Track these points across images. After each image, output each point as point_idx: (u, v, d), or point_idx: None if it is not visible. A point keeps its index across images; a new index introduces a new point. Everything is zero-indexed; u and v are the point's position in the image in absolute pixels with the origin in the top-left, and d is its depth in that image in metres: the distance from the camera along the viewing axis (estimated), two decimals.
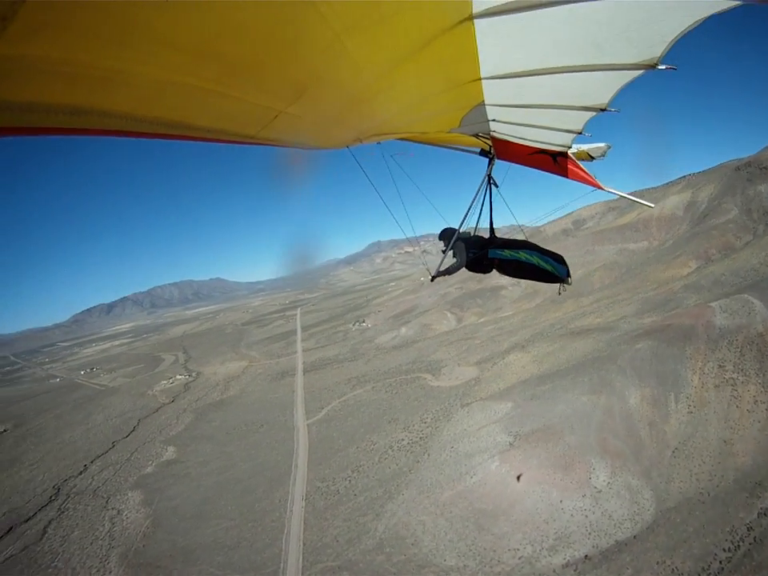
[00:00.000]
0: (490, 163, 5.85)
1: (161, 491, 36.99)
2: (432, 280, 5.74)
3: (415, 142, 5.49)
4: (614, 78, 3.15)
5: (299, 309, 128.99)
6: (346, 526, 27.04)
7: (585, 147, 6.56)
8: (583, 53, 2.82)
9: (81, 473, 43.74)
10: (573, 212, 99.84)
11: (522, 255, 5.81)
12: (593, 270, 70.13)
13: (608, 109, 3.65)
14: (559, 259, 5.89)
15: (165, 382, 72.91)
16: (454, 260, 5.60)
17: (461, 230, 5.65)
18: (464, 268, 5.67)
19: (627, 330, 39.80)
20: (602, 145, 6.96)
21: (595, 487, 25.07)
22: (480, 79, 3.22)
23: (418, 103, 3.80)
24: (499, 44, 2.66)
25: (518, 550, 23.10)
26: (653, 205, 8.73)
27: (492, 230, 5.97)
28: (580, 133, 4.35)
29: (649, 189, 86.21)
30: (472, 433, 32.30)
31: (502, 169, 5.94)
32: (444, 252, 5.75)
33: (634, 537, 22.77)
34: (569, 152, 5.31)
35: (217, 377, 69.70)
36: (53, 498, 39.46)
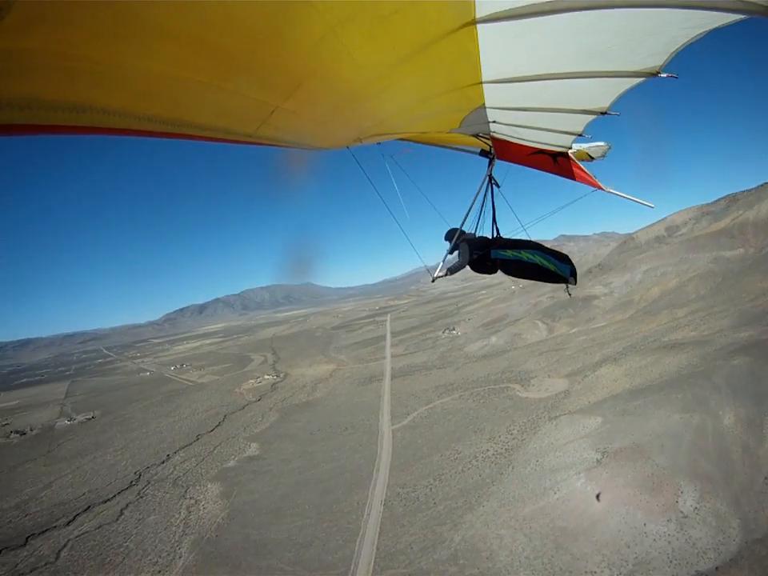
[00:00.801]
0: (491, 163, 9.00)
1: (240, 485, 57.27)
2: (433, 281, 9.23)
3: (415, 141, 8.46)
4: (615, 83, 4.81)
5: (389, 315, 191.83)
6: (421, 534, 39.50)
7: (585, 147, 9.56)
8: (585, 60, 4.39)
9: (163, 462, 69.52)
10: (666, 217, 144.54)
11: (525, 255, 8.80)
12: (687, 279, 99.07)
13: (609, 112, 5.48)
14: (563, 258, 8.92)
15: (252, 381, 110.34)
16: (457, 261, 8.97)
17: (466, 231, 8.98)
18: (468, 267, 9.23)
19: (723, 344, 54.88)
20: (602, 144, 10.07)
21: (681, 512, 33.59)
22: (481, 83, 4.91)
23: (418, 104, 5.65)
24: (501, 49, 4.13)
25: (596, 573, 31.78)
26: (653, 205, 11.27)
27: (495, 230, 9.28)
28: (580, 134, 6.74)
29: (743, 191, 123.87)
30: (559, 447, 44.71)
31: (503, 169, 9.29)
32: (448, 252, 9.21)
33: (716, 568, 29.88)
34: (569, 152, 8.19)
35: (304, 378, 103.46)
36: (133, 483, 64.13)
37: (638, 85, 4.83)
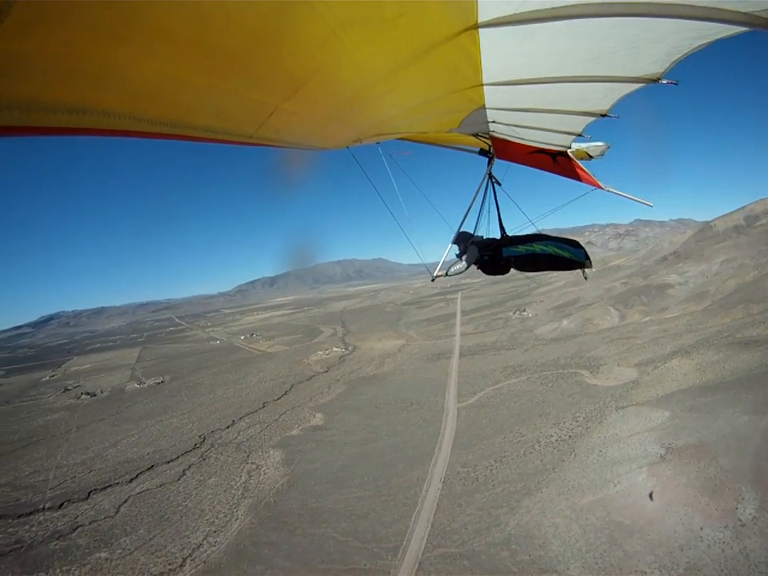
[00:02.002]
0: (490, 162, 9.77)
1: (302, 453, 61.48)
2: (432, 280, 10.23)
3: (414, 141, 9.09)
4: (616, 87, 5.25)
5: (460, 293, 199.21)
6: (477, 515, 41.98)
7: (584, 146, 10.33)
8: (585, 65, 4.75)
9: (228, 427, 75.41)
10: (745, 206, 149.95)
11: (537, 247, 9.44)
12: (766, 273, 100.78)
13: (609, 114, 5.99)
14: (575, 244, 9.53)
15: (321, 352, 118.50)
16: (463, 263, 9.72)
17: (475, 234, 9.87)
18: (483, 273, 10.11)
19: None
20: (600, 144, 10.76)
21: (740, 519, 34.02)
22: (482, 85, 5.38)
23: (419, 105, 6.12)
24: (503, 53, 4.51)
25: (646, 573, 32.79)
26: (652, 204, 11.32)
27: (502, 228, 10.03)
28: (580, 135, 7.33)
29: None
30: (623, 439, 46.79)
31: (503, 167, 10.23)
32: (458, 256, 10.01)
33: None
34: (568, 151, 8.82)
35: (373, 352, 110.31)
36: (197, 445, 70.02)
37: (639, 89, 5.28)
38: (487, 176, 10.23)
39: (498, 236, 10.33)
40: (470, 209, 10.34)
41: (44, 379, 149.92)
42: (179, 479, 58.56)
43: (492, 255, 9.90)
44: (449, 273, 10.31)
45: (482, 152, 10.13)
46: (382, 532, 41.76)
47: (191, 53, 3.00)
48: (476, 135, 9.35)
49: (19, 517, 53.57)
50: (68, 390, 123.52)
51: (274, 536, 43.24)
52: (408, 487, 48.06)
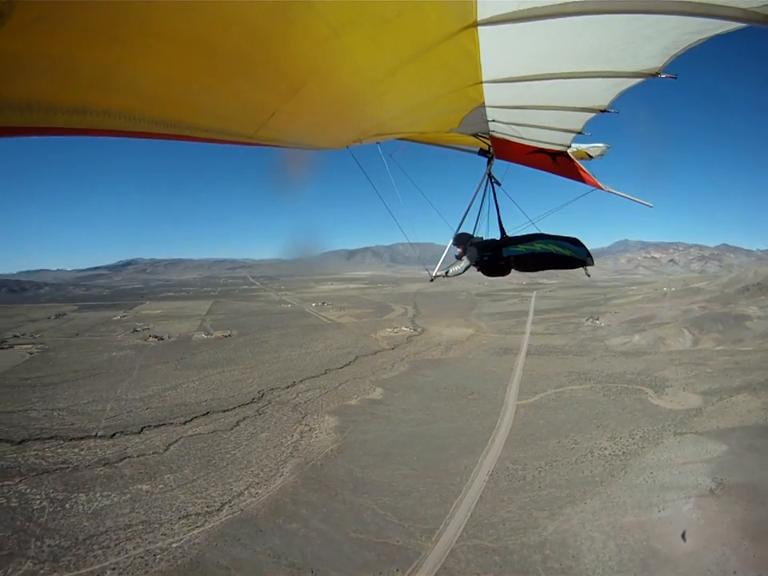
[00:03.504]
0: (489, 162, 10.27)
1: (356, 423, 63.63)
2: (431, 280, 10.84)
3: (414, 141, 9.65)
4: (615, 83, 5.58)
5: (535, 292, 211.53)
6: (517, 514, 42.80)
7: (584, 147, 11.16)
8: (585, 61, 5.11)
9: (288, 387, 78.90)
10: None
11: (538, 246, 9.75)
12: None
13: (608, 110, 6.30)
14: (576, 242, 9.86)
15: (389, 330, 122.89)
16: (462, 263, 10.32)
17: (475, 236, 10.42)
18: (483, 274, 10.55)
19: None
20: (600, 145, 11.57)
21: None
22: (482, 83, 5.66)
23: (419, 105, 6.42)
24: (502, 50, 4.75)
25: None
26: (651, 204, 10.85)
27: (501, 228, 10.41)
28: (580, 132, 7.68)
29: None
30: (676, 465, 47.29)
31: (502, 167, 10.69)
32: (458, 257, 10.52)
33: None
34: (568, 151, 9.27)
35: (441, 337, 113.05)
36: (255, 400, 73.70)
37: (638, 84, 5.51)
38: (487, 176, 10.53)
39: (497, 236, 10.60)
40: (468, 209, 10.67)
41: (115, 318, 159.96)
42: (232, 429, 61.83)
43: (492, 255, 10.19)
44: (448, 273, 10.83)
45: (482, 152, 10.44)
46: (421, 513, 42.97)
47: (191, 54, 3.17)
48: (476, 135, 9.61)
49: (71, 440, 58.29)
50: (137, 331, 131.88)
51: (314, 498, 45.10)
52: (455, 474, 49.15)
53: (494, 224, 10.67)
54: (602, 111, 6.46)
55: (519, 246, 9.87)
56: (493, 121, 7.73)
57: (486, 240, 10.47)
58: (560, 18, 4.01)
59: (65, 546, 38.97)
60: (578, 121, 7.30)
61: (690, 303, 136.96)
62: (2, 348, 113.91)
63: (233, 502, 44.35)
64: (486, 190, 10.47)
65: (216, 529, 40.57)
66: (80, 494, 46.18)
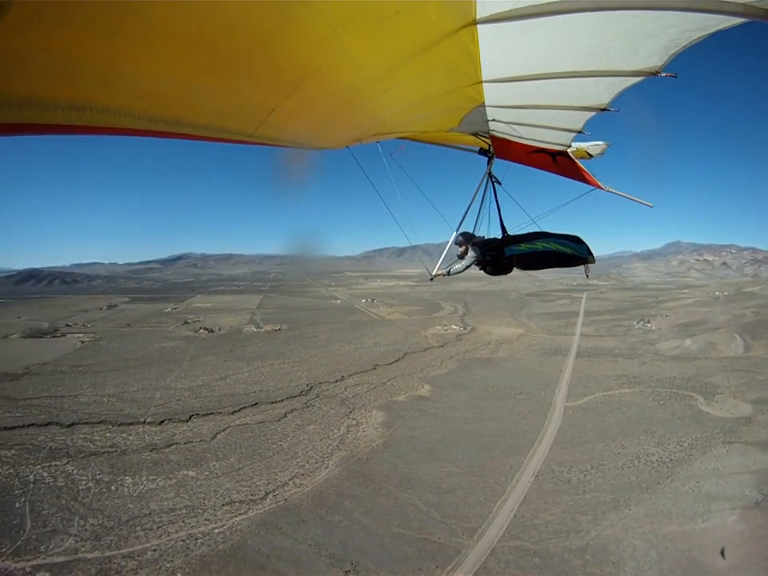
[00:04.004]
0: (490, 161, 10.58)
1: (404, 419, 64.00)
2: (431, 279, 10.90)
3: (414, 140, 9.91)
4: (615, 81, 5.73)
5: (586, 293, 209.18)
6: (560, 517, 42.57)
7: (584, 145, 11.09)
8: (584, 59, 5.19)
9: (336, 381, 79.77)
10: None
11: (539, 245, 10.23)
12: None
13: (608, 108, 6.47)
14: (577, 240, 10.31)
15: (439, 327, 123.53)
16: (464, 262, 10.70)
17: (476, 235, 10.86)
18: (485, 273, 11.02)
19: None
20: (600, 143, 11.54)
21: None
22: (481, 82, 5.80)
23: (419, 104, 6.55)
24: (502, 49, 4.89)
25: None
26: (651, 204, 10.96)
27: (503, 227, 10.85)
28: (580, 131, 7.85)
29: None
30: (723, 475, 46.70)
31: (502, 166, 10.94)
32: (459, 257, 10.85)
33: None
34: (568, 151, 9.45)
35: (490, 336, 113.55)
36: (303, 393, 75.01)
37: (638, 83, 5.54)
38: (487, 175, 10.66)
39: (498, 235, 10.86)
40: (469, 208, 10.83)
41: (166, 310, 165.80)
42: (279, 420, 62.94)
43: (494, 255, 10.51)
44: (449, 272, 10.90)
45: (482, 151, 10.54)
46: (465, 511, 42.96)
47: (191, 51, 3.17)
48: (476, 134, 9.67)
49: (119, 425, 60.48)
50: (187, 323, 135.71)
51: (358, 491, 45.49)
52: (500, 473, 49.06)
53: (495, 223, 10.94)
54: (602, 110, 6.52)
55: (521, 244, 10.22)
56: (493, 120, 7.88)
57: (487, 239, 10.73)
58: (559, 16, 4.05)
59: (108, 525, 40.42)
60: (578, 120, 7.37)
61: (742, 308, 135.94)
62: (55, 336, 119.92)
63: (277, 492, 45.09)
64: (486, 189, 10.65)
65: (259, 517, 41.34)
66: (126, 477, 47.81)
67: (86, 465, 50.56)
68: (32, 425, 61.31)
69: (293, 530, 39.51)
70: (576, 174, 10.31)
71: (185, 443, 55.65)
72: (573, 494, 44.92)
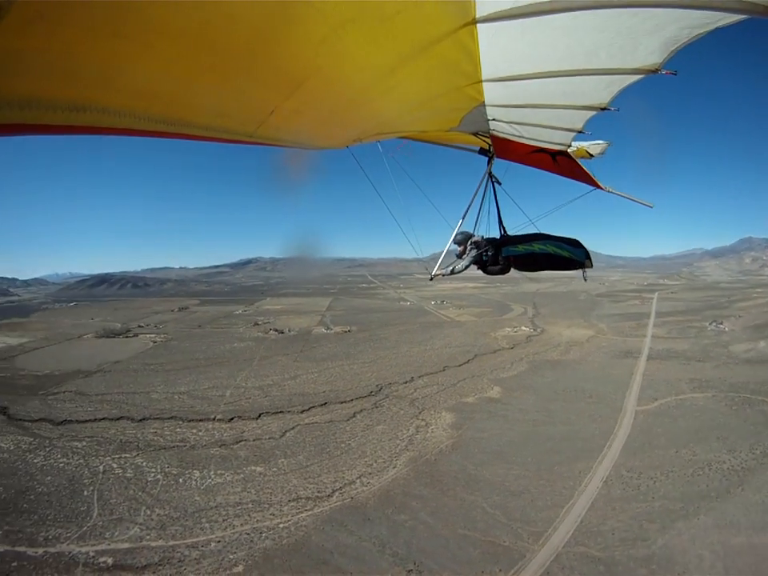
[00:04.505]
0: (490, 161, 10.82)
1: (473, 421, 63.90)
2: (431, 279, 11.25)
3: (414, 140, 10.16)
4: (615, 80, 5.79)
5: (656, 293, 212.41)
6: (628, 524, 41.69)
7: (585, 145, 11.31)
8: (584, 57, 5.28)
9: (406, 382, 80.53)
10: None
11: (536, 247, 10.42)
12: None
13: (609, 107, 6.58)
14: (575, 243, 10.51)
15: (509, 329, 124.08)
16: (463, 262, 10.99)
17: (475, 234, 11.12)
18: (483, 273, 11.28)
19: None
20: (601, 142, 11.77)
21: None
22: (481, 81, 5.96)
23: (419, 103, 6.77)
24: (501, 48, 5.01)
25: None
26: (652, 205, 10.46)
27: (501, 227, 11.17)
28: (580, 131, 7.99)
29: None
30: None
31: (502, 166, 11.17)
32: (458, 256, 11.21)
33: None
34: (568, 150, 9.58)
35: (560, 338, 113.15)
36: (372, 393, 75.84)
37: (639, 81, 5.52)
38: (487, 175, 10.83)
39: (497, 235, 11.13)
40: (469, 208, 11.03)
41: (236, 312, 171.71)
42: (348, 420, 63.78)
43: (492, 255, 10.71)
44: (450, 272, 11.23)
45: (482, 151, 10.67)
46: (531, 515, 42.49)
47: (192, 51, 3.24)
48: (476, 134, 9.75)
49: (189, 421, 62.79)
50: (257, 324, 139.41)
51: (425, 491, 45.50)
52: (568, 478, 48.37)
53: (494, 223, 11.24)
54: (603, 109, 6.58)
55: (518, 245, 10.39)
56: (493, 120, 8.02)
57: (486, 239, 10.90)
58: (559, 15, 4.14)
59: (174, 516, 41.92)
60: (579, 119, 7.45)
61: None
62: (127, 337, 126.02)
63: (344, 490, 45.61)
64: (486, 188, 10.84)
65: (324, 514, 41.87)
66: (194, 471, 49.56)
67: (156, 458, 52.68)
68: (104, 419, 64.56)
69: (357, 527, 39.85)
70: (576, 173, 10.52)
71: (254, 440, 57.06)
72: (641, 501, 43.90)
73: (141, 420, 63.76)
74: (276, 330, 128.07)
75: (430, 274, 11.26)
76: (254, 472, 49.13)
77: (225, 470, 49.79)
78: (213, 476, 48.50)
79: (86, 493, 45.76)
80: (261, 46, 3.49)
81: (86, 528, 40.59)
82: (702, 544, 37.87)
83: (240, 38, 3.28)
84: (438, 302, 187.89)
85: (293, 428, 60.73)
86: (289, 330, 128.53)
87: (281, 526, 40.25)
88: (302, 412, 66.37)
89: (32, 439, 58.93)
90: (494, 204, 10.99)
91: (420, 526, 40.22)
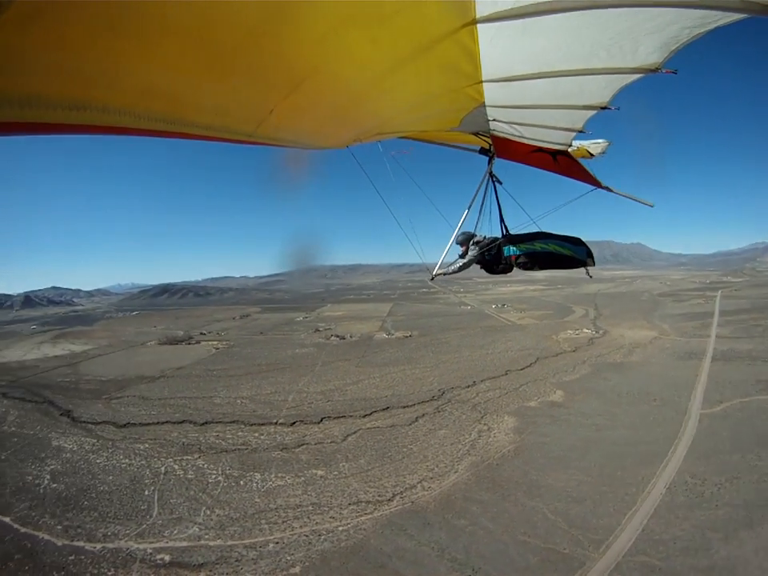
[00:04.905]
0: (490, 161, 10.86)
1: (536, 426, 63.16)
2: (432, 279, 11.44)
3: (414, 140, 10.26)
4: (615, 79, 5.76)
5: (720, 291, 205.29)
6: (690, 533, 40.35)
7: (585, 144, 11.15)
8: (585, 57, 5.26)
9: (468, 386, 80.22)
10: None
11: (538, 246, 10.69)
12: None
13: (609, 106, 6.62)
14: (577, 242, 10.68)
15: (570, 331, 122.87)
16: (464, 261, 11.26)
17: (477, 234, 11.33)
18: (485, 272, 11.59)
19: None
20: (601, 141, 11.67)
21: None
22: (481, 82, 5.92)
23: (419, 103, 6.76)
24: (501, 48, 4.97)
25: None
26: (652, 204, 9.59)
27: (503, 227, 11.23)
28: (581, 131, 8.00)
29: None
30: None
31: (503, 166, 11.22)
32: (460, 256, 11.42)
33: None
34: (569, 150, 9.65)
35: (623, 339, 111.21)
36: (434, 397, 75.76)
37: (639, 80, 5.49)
38: (488, 175, 10.87)
39: (499, 235, 11.25)
40: (470, 208, 11.09)
41: (297, 319, 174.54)
42: (410, 424, 63.80)
43: (494, 254, 10.94)
44: (449, 272, 11.51)
45: (483, 151, 10.72)
46: (592, 522, 41.56)
47: (192, 50, 3.26)
48: (476, 134, 9.80)
49: (251, 425, 63.92)
50: (318, 330, 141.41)
51: (486, 496, 45.10)
52: (631, 484, 47.25)
53: (496, 222, 11.36)
54: (603, 108, 6.58)
55: (520, 245, 10.60)
56: (493, 120, 8.08)
57: (488, 238, 11.12)
58: (559, 14, 4.11)
59: (233, 517, 42.68)
60: (579, 119, 7.46)
61: None
62: (189, 344, 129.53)
63: (404, 494, 45.58)
64: (487, 188, 10.91)
65: (384, 517, 41.90)
66: (255, 473, 50.31)
67: (217, 460, 53.83)
68: (166, 422, 66.45)
69: (417, 532, 39.74)
70: (577, 173, 10.54)
71: (315, 444, 57.64)
72: (705, 509, 42.45)
73: (203, 424, 65.40)
74: (337, 336, 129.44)
75: (431, 274, 11.40)
76: (314, 475, 49.54)
77: (286, 472, 50.39)
78: (273, 479, 49.11)
79: (146, 492, 47.28)
80: (260, 45, 3.52)
81: (145, 526, 41.91)
82: (765, 555, 36.36)
83: (240, 37, 3.30)
84: (499, 305, 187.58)
85: (355, 432, 61.14)
86: (350, 336, 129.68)
87: (340, 528, 40.43)
88: (364, 416, 66.83)
89: (95, 440, 61.13)
90: (496, 204, 11.12)
91: (480, 531, 39.84)
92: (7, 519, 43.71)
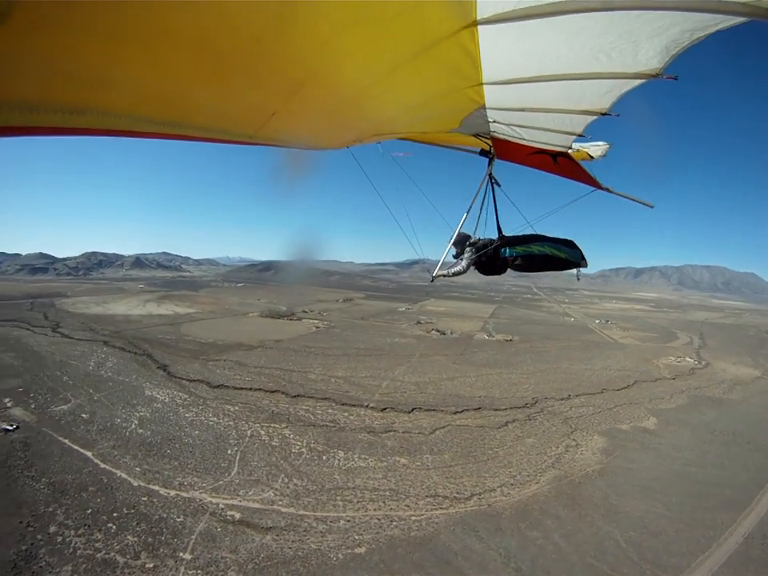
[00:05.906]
0: (490, 163, 10.69)
1: (624, 450, 61.27)
2: (432, 280, 11.17)
3: (414, 141, 10.12)
4: (616, 84, 5.70)
5: None
6: None
7: (585, 147, 11.10)
8: (586, 61, 5.14)
9: (562, 399, 79.11)
10: None
11: (534, 248, 10.56)
12: None
13: (609, 113, 6.47)
14: (571, 245, 10.58)
15: (672, 358, 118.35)
16: (462, 264, 10.92)
17: (473, 236, 11.08)
18: (479, 273, 11.25)
19: None
20: (601, 144, 11.58)
21: None
22: (482, 84, 5.81)
23: (419, 105, 6.62)
24: (502, 50, 4.88)
25: None
26: (652, 205, 8.66)
27: (499, 229, 11.02)
28: (581, 135, 7.97)
29: None
30: None
31: (503, 167, 11.06)
32: (455, 257, 11.14)
33: None
34: (569, 152, 9.54)
35: (725, 374, 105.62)
36: (527, 405, 75.14)
37: (640, 86, 5.46)
38: (487, 177, 10.73)
39: (492, 235, 11.10)
40: (469, 209, 10.89)
41: (399, 309, 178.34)
42: (499, 428, 63.61)
43: (489, 256, 10.75)
44: (449, 274, 11.17)
45: (483, 152, 10.61)
46: (663, 558, 40.03)
47: (192, 54, 3.27)
48: (477, 136, 9.72)
49: (342, 404, 66.02)
50: (420, 323, 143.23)
51: (562, 513, 44.46)
52: (709, 527, 45.12)
53: (493, 224, 11.23)
54: (603, 114, 6.53)
55: (516, 247, 10.53)
56: (494, 122, 7.99)
57: (483, 240, 10.93)
58: (560, 17, 4.08)
59: (310, 488, 44.18)
60: (580, 123, 7.42)
61: None
62: (291, 320, 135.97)
63: (482, 496, 45.59)
64: (486, 190, 10.82)
65: (458, 515, 42.08)
66: (339, 451, 51.89)
67: (303, 432, 56.05)
68: (259, 389, 70.31)
69: (488, 535, 39.69)
70: (577, 175, 10.52)
71: (402, 432, 58.64)
72: None
73: (295, 396, 68.20)
74: (438, 331, 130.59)
75: (431, 276, 11.24)
76: (397, 462, 50.41)
77: (369, 455, 51.57)
78: (356, 459, 50.38)
79: (229, 452, 49.92)
80: (263, 50, 3.57)
81: (222, 482, 44.19)
82: None
83: (241, 41, 3.35)
84: (603, 321, 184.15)
85: (443, 427, 61.63)
86: (450, 333, 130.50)
87: (413, 518, 41.05)
88: (455, 413, 67.12)
89: (187, 396, 66.07)
90: (493, 206, 11.08)
91: (550, 546, 39.35)
92: (89, 454, 47.50)
